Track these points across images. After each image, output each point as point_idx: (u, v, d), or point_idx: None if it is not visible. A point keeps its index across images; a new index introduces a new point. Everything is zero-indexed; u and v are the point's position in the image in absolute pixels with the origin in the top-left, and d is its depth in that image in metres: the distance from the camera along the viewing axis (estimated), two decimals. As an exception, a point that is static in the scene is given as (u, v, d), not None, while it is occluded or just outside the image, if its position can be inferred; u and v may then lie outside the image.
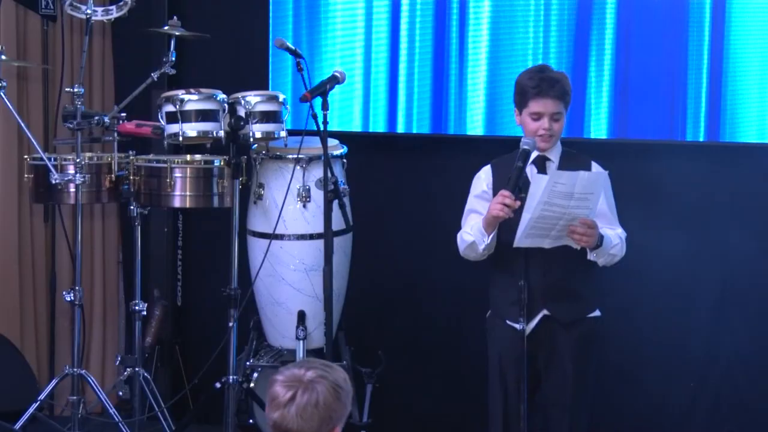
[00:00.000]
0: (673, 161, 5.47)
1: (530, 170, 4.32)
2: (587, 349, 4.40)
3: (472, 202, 4.42)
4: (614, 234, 4.32)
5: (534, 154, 4.30)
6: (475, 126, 5.61)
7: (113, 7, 5.37)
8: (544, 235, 4.18)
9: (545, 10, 5.47)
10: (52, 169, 5.14)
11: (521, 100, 4.32)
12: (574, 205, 4.10)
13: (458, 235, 4.40)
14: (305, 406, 2.96)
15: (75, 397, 5.26)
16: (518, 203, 4.14)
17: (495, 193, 4.28)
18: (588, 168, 4.34)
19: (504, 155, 4.46)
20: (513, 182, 4.16)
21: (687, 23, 5.33)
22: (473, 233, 4.30)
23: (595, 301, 4.42)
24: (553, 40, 5.47)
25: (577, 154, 4.43)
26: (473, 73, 5.58)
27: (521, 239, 4.17)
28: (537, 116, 4.29)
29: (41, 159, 5.19)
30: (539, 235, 4.17)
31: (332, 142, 5.18)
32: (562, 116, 4.33)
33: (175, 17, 5.28)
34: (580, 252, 4.29)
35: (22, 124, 5.28)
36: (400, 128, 5.71)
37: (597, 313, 4.41)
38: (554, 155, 4.37)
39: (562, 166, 4.29)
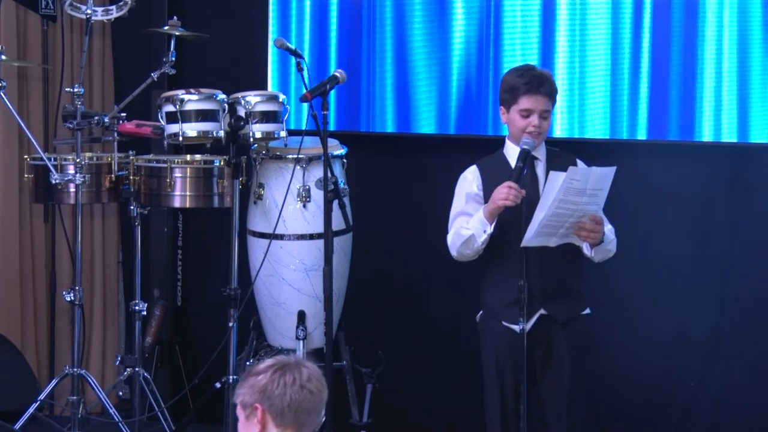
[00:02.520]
0: (672, 161, 5.47)
1: None
2: (583, 347, 4.40)
3: (460, 204, 4.40)
4: (608, 230, 4.34)
5: None
6: (475, 126, 5.61)
7: (113, 7, 5.37)
8: (553, 233, 4.19)
9: (546, 10, 5.46)
10: (52, 169, 5.15)
11: (510, 97, 4.32)
12: (585, 202, 4.12)
13: (450, 236, 4.39)
14: (310, 376, 3.06)
15: (75, 397, 5.26)
16: (524, 192, 4.16)
17: (486, 193, 4.28)
18: (575, 165, 4.34)
19: (488, 156, 4.46)
20: (514, 181, 4.17)
21: (688, 22, 5.32)
22: (471, 226, 4.28)
23: (587, 298, 4.43)
24: (554, 39, 5.47)
25: (562, 152, 4.44)
26: (474, 72, 5.58)
27: (531, 238, 4.17)
28: (527, 113, 4.29)
29: (41, 159, 5.20)
30: (548, 233, 4.18)
31: (332, 142, 5.18)
32: (550, 114, 4.34)
33: (175, 17, 5.28)
34: (574, 250, 4.30)
35: (22, 124, 5.28)
36: (400, 128, 5.71)
37: (588, 311, 4.42)
38: (541, 154, 4.37)
39: (549, 165, 4.31)
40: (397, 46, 5.66)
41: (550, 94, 4.32)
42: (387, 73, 5.68)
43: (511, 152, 4.33)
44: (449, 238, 4.39)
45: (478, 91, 5.58)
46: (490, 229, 4.26)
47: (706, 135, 5.35)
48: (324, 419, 3.10)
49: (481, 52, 5.56)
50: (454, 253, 4.38)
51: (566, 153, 4.45)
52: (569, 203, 4.10)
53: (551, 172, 4.21)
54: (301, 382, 3.03)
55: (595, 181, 4.12)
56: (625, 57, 5.41)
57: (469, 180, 4.41)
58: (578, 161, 4.41)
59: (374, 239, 5.64)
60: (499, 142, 4.51)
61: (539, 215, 4.13)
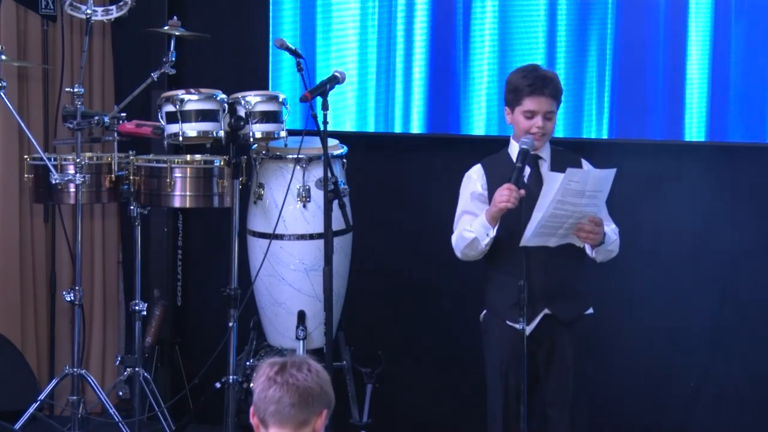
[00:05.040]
0: (673, 161, 5.47)
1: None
2: (586, 347, 4.40)
3: (465, 203, 4.39)
4: (610, 230, 4.33)
5: None
6: (475, 126, 5.61)
7: (113, 7, 5.38)
8: (552, 233, 4.18)
9: (546, 9, 5.47)
10: (52, 169, 5.15)
11: (514, 98, 4.32)
12: (585, 203, 4.12)
13: (454, 237, 4.38)
14: (300, 365, 2.94)
15: (75, 397, 5.26)
16: (523, 192, 4.16)
17: (490, 192, 4.27)
18: (579, 165, 4.34)
19: (493, 155, 4.46)
20: (513, 182, 4.17)
21: (687, 22, 5.33)
22: (474, 229, 4.28)
23: (590, 298, 4.43)
24: (554, 40, 5.47)
25: (566, 151, 4.44)
26: (473, 72, 5.58)
27: (530, 238, 4.16)
28: (531, 114, 4.29)
29: (41, 159, 5.20)
30: (547, 233, 4.18)
31: (332, 142, 5.18)
32: (555, 115, 4.33)
33: (175, 17, 5.28)
34: (578, 249, 4.30)
35: (22, 124, 5.28)
36: (400, 128, 5.71)
37: (591, 310, 4.42)
38: (545, 154, 4.37)
39: (554, 165, 4.30)
40: (398, 46, 5.66)
41: (555, 95, 4.31)
42: (388, 73, 5.68)
43: (515, 152, 4.32)
44: (453, 239, 4.39)
45: (477, 91, 5.58)
46: (492, 233, 4.25)
47: (707, 135, 5.35)
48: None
49: (481, 51, 5.56)
50: (458, 254, 4.38)
51: (570, 153, 4.44)
52: (568, 204, 4.10)
53: (549, 173, 4.21)
54: (269, 375, 2.94)
55: (594, 182, 4.12)
56: (625, 56, 5.41)
57: (474, 179, 4.40)
58: (583, 161, 4.40)
59: (374, 239, 5.64)
60: (499, 141, 4.50)
61: (537, 215, 4.12)
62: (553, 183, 4.09)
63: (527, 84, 4.29)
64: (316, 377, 2.96)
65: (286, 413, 2.93)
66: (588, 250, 4.30)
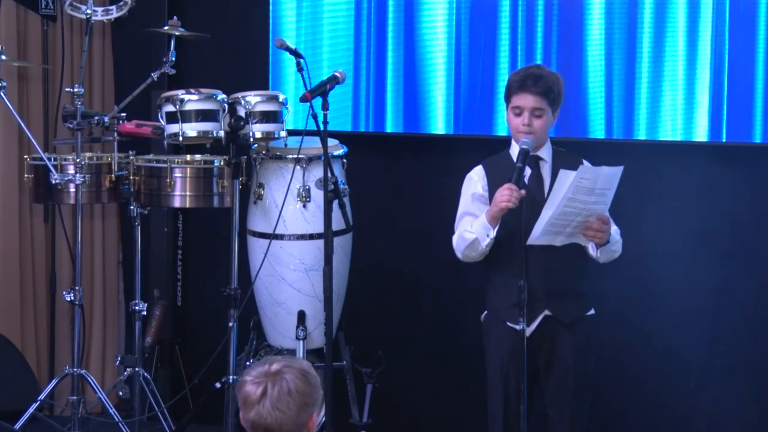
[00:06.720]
0: (673, 161, 5.47)
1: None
2: (587, 348, 4.39)
3: (466, 204, 4.38)
4: (613, 231, 4.32)
5: None
6: (475, 126, 5.61)
7: (113, 7, 5.38)
8: (559, 232, 4.18)
9: (545, 10, 5.47)
10: (52, 169, 5.15)
11: (506, 95, 4.33)
12: (594, 201, 4.11)
13: (455, 238, 4.38)
14: (279, 397, 2.95)
15: (75, 397, 5.26)
16: (523, 192, 4.15)
17: (491, 193, 4.26)
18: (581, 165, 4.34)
19: (494, 155, 4.45)
20: (514, 182, 4.16)
21: (687, 22, 5.33)
22: (475, 230, 4.27)
23: (592, 299, 4.42)
24: (553, 40, 5.47)
25: (567, 152, 4.43)
26: (473, 73, 5.58)
27: (538, 237, 4.15)
28: (518, 111, 4.28)
29: (41, 159, 5.20)
30: (555, 232, 4.17)
31: (332, 142, 5.18)
32: (545, 113, 4.29)
33: (175, 17, 5.28)
34: (579, 250, 4.29)
35: (22, 124, 5.28)
36: (400, 128, 5.71)
37: (593, 311, 4.42)
38: (546, 154, 4.36)
39: (555, 166, 4.29)
40: (399, 46, 5.66)
41: (545, 92, 4.28)
42: (388, 73, 5.68)
43: (516, 152, 4.32)
44: (454, 240, 4.38)
45: (477, 91, 5.58)
46: (493, 233, 4.25)
47: (706, 135, 5.35)
48: (324, 419, 3.09)
49: (480, 51, 5.56)
50: (458, 255, 4.37)
51: (572, 154, 4.43)
52: (578, 202, 4.10)
53: (561, 171, 4.17)
54: (252, 398, 2.97)
55: (604, 180, 4.11)
56: (624, 57, 5.41)
57: (475, 180, 4.40)
58: (585, 162, 4.40)
59: (374, 239, 5.64)
60: (501, 142, 4.50)
61: (547, 213, 4.12)
62: (565, 180, 4.08)
63: (516, 80, 4.30)
64: (297, 399, 2.99)
65: None
66: (592, 250, 4.29)
